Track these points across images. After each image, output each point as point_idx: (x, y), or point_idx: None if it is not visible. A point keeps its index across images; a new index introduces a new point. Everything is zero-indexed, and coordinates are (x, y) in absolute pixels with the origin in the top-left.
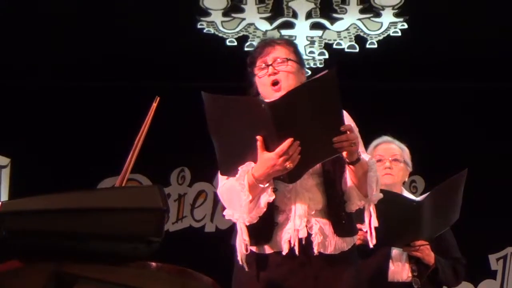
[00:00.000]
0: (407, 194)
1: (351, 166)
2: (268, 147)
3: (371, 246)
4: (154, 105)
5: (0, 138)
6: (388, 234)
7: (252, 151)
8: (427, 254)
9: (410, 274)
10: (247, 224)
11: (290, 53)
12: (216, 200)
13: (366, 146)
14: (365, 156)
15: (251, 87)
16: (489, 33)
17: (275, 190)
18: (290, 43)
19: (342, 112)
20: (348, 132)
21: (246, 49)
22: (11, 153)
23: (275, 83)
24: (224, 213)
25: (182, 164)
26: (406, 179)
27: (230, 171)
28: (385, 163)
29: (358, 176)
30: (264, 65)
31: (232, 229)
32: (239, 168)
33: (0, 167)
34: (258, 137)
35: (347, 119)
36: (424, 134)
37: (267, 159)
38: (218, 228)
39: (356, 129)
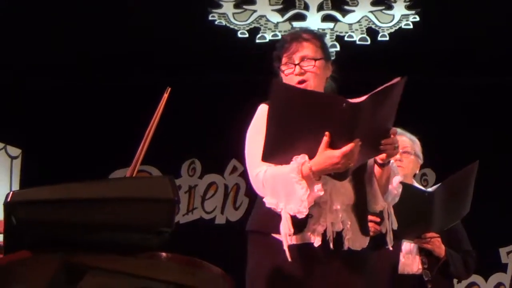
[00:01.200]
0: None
1: (381, 167)
2: (333, 145)
3: (390, 248)
4: (165, 96)
5: (11, 129)
6: (399, 226)
7: (309, 144)
8: (438, 246)
9: (420, 267)
10: (300, 216)
11: (317, 50)
12: (226, 192)
13: None
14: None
15: (276, 77)
16: (502, 26)
17: None
18: (317, 38)
19: (394, 116)
20: (393, 136)
21: (257, 41)
22: (22, 144)
23: (301, 82)
24: (266, 200)
25: (193, 156)
26: (417, 172)
27: (276, 158)
28: (396, 156)
29: (384, 178)
30: (290, 63)
31: (242, 220)
32: (293, 159)
33: (11, 158)
34: (327, 133)
35: None
36: (435, 127)
37: (330, 156)
38: (229, 220)
39: None
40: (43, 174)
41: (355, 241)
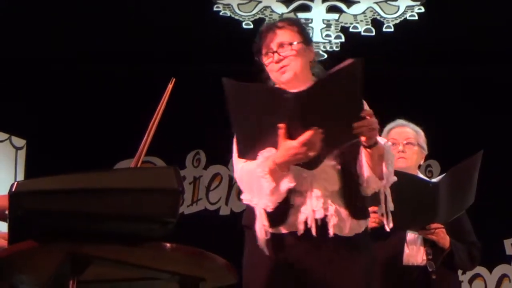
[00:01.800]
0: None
1: (368, 149)
2: (290, 135)
3: (387, 229)
4: (170, 86)
5: (15, 120)
6: (404, 217)
7: (273, 137)
8: (443, 237)
9: (425, 258)
10: (269, 210)
11: (294, 34)
12: (231, 183)
13: (380, 130)
14: (380, 139)
15: (262, 73)
16: (509, 16)
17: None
18: (292, 23)
19: (362, 98)
20: (368, 118)
21: None
22: (27, 134)
23: (282, 68)
24: (242, 197)
25: (198, 146)
26: (422, 163)
27: (249, 154)
28: (399, 147)
29: (374, 159)
30: (269, 52)
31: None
32: (259, 154)
33: (16, 148)
34: (281, 125)
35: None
36: (440, 118)
37: (289, 148)
38: (233, 211)
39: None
40: (48, 165)
41: (343, 227)
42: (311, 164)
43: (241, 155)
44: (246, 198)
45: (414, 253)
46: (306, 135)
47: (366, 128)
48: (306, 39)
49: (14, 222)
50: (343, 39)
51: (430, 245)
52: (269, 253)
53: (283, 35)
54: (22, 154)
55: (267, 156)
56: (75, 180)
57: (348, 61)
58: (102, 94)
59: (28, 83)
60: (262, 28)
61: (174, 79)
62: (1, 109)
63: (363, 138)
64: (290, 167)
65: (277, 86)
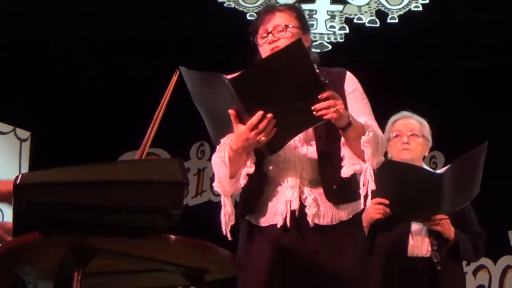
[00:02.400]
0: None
1: (342, 131)
2: (243, 120)
3: (362, 207)
4: (174, 78)
5: (20, 112)
6: (408, 208)
7: (231, 123)
8: (448, 228)
9: (429, 249)
10: (228, 195)
11: (291, 19)
12: None
13: (385, 121)
14: (363, 119)
15: (256, 55)
16: None
17: (265, 160)
18: (291, 8)
19: (319, 80)
20: (330, 99)
21: None
22: (31, 126)
23: (274, 49)
24: (213, 184)
25: (202, 138)
26: (426, 154)
27: (217, 141)
28: (403, 138)
29: (352, 140)
30: (265, 33)
31: None
32: (221, 140)
33: (20, 140)
34: (231, 111)
35: (350, 82)
36: (444, 109)
37: (240, 133)
38: (237, 203)
39: (358, 92)
40: (52, 157)
41: (324, 216)
42: (271, 148)
43: (215, 142)
44: (215, 185)
45: (419, 244)
46: (253, 120)
47: (327, 110)
48: (304, 27)
49: (19, 214)
50: (347, 30)
51: (435, 236)
52: (252, 246)
53: (280, 18)
54: (26, 146)
55: (226, 142)
56: (80, 172)
57: (287, 43)
58: (106, 86)
59: (32, 75)
60: (260, 11)
61: (178, 71)
62: (6, 101)
63: (332, 120)
64: (251, 153)
65: None
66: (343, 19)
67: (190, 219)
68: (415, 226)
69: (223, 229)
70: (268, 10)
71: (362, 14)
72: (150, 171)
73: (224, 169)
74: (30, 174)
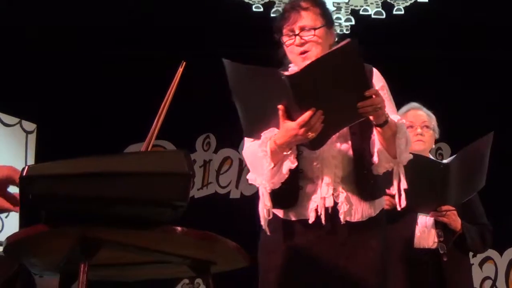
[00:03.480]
0: None
1: (378, 128)
2: (291, 116)
3: (399, 208)
4: (180, 70)
5: (26, 104)
6: (415, 199)
7: (275, 118)
8: (454, 219)
9: (436, 240)
10: (269, 190)
11: (317, 18)
12: (241, 167)
13: None
14: (394, 117)
15: (279, 49)
16: None
17: (300, 156)
18: (316, 5)
19: (366, 77)
20: (373, 97)
21: (272, 15)
22: (37, 118)
23: (303, 53)
24: (248, 176)
25: (208, 130)
26: (433, 146)
27: (254, 134)
28: (417, 130)
29: (386, 137)
30: (291, 33)
31: (257, 194)
32: (262, 134)
33: (26, 132)
34: (280, 106)
35: (378, 78)
36: (450, 101)
37: (288, 129)
38: (243, 195)
39: (385, 89)
40: (58, 149)
41: (355, 213)
42: (314, 144)
43: (247, 134)
44: (250, 178)
45: (426, 235)
46: (305, 116)
47: (371, 108)
48: (329, 22)
49: (25, 206)
50: (353, 22)
51: (441, 227)
52: (281, 238)
53: (307, 18)
54: (32, 138)
55: (268, 136)
56: (86, 164)
57: (344, 42)
58: (112, 78)
59: (38, 67)
60: (285, 6)
61: (184, 63)
62: (12, 94)
63: (371, 117)
64: (294, 148)
65: (291, 65)
66: (349, 11)
67: (196, 211)
68: (421, 218)
69: (262, 223)
70: (293, 7)
71: (368, 5)
72: (156, 163)
73: (270, 164)
74: (36, 166)
